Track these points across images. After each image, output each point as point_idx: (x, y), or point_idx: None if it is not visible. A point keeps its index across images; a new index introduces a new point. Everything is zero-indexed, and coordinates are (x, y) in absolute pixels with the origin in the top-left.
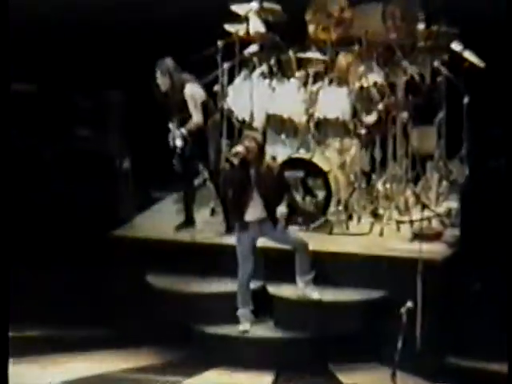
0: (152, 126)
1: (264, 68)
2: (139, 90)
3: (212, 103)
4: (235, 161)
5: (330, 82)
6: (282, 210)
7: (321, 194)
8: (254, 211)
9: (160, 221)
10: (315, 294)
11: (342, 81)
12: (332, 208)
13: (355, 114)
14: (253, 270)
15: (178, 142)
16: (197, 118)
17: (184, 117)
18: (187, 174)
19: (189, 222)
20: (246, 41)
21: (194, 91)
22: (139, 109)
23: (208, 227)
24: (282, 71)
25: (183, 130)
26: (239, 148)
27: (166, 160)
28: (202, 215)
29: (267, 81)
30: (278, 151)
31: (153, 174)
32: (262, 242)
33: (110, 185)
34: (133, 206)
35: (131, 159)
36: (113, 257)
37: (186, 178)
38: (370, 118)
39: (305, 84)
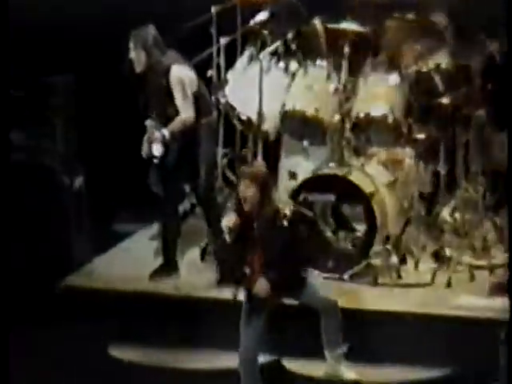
0: (116, 126)
1: (278, 45)
2: (96, 72)
3: (208, 94)
4: (229, 237)
5: (374, 65)
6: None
7: (361, 228)
8: (260, 282)
9: (128, 265)
10: (350, 373)
11: (391, 63)
12: (377, 247)
13: (410, 110)
14: (261, 339)
15: (157, 150)
16: (186, 114)
17: (166, 112)
18: (168, 197)
19: (169, 266)
20: (252, 5)
21: (182, 75)
22: (97, 101)
23: (196, 275)
24: (303, 49)
25: (165, 132)
26: (228, 221)
27: (136, 176)
28: (188, 257)
29: (282, 63)
30: (299, 165)
31: (117, 197)
32: None
33: (56, 212)
34: (89, 244)
35: (85, 176)
36: (60, 317)
37: (166, 202)
38: (432, 117)
39: (337, 68)
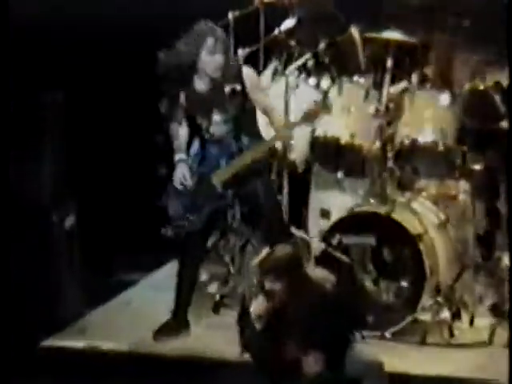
0: (116, 153)
1: (307, 58)
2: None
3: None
4: (258, 324)
5: (422, 81)
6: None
7: (406, 277)
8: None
9: (130, 321)
10: None
11: (442, 80)
12: (426, 300)
13: (464, 136)
14: None
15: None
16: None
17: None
18: (191, 242)
19: (179, 323)
20: (277, 9)
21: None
22: (91, 121)
23: (210, 333)
24: (337, 63)
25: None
26: (257, 307)
27: (139, 215)
28: (198, 313)
29: (313, 80)
30: (332, 201)
31: (116, 239)
32: None
33: (42, 257)
34: (81, 296)
35: (78, 213)
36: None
37: (188, 247)
38: (490, 144)
39: (378, 85)
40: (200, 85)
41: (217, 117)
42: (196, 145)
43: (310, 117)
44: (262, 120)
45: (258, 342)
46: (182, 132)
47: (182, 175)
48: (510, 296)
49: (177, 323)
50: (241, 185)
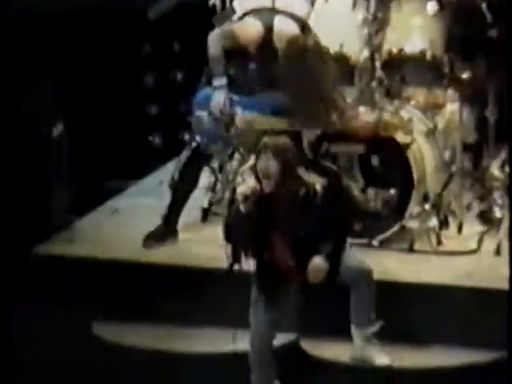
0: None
1: None
2: None
3: None
4: (243, 207)
5: None
6: (317, 263)
7: (394, 185)
8: (282, 254)
9: (116, 229)
10: (382, 357)
11: None
12: (414, 208)
13: (452, 45)
14: (278, 318)
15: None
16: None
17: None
18: (200, 156)
19: (167, 230)
20: None
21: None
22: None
23: (197, 239)
24: None
25: None
26: (247, 187)
27: (128, 122)
28: (186, 218)
29: None
30: None
31: (104, 146)
32: None
33: (29, 166)
34: (70, 204)
35: (66, 123)
36: (34, 292)
37: (195, 159)
38: (478, 53)
39: None
40: None
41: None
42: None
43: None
44: None
45: (240, 227)
46: (221, 56)
47: (222, 102)
48: (510, 270)
49: (166, 229)
50: None
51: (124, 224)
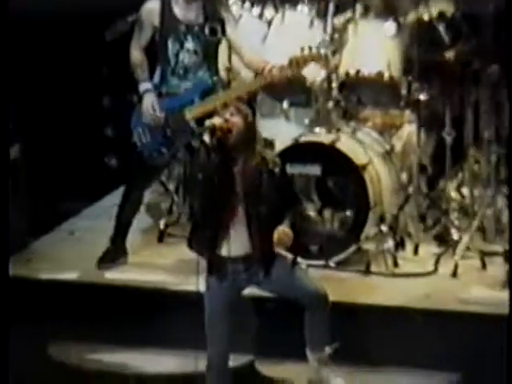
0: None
1: None
2: None
3: None
4: (209, 140)
5: (365, 10)
6: (286, 229)
7: (350, 206)
8: (238, 240)
9: (73, 251)
10: (337, 379)
11: (386, 10)
12: (370, 229)
13: (410, 66)
14: (229, 341)
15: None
16: None
17: None
18: (145, 171)
19: (117, 249)
20: None
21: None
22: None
23: (152, 258)
24: None
25: None
26: (216, 120)
27: (88, 145)
28: (139, 238)
29: (257, 9)
30: (278, 130)
31: (61, 168)
32: (248, 290)
33: None
34: (26, 225)
35: (23, 143)
36: None
37: (139, 174)
38: (435, 75)
39: (321, 14)
40: (178, 10)
41: (189, 44)
42: (157, 75)
43: (296, 64)
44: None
45: (200, 169)
46: (143, 58)
47: (151, 106)
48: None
49: (115, 249)
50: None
51: (80, 245)
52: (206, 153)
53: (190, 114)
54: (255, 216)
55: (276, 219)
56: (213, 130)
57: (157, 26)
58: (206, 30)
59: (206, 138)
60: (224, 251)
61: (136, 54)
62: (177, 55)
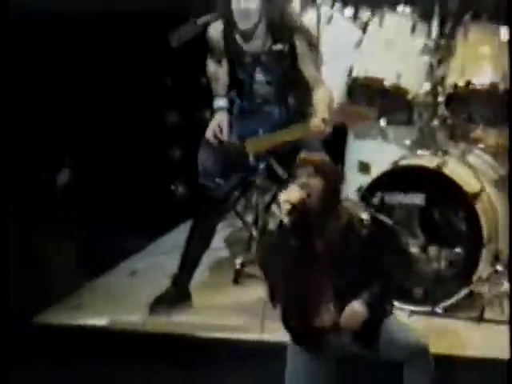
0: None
1: None
2: None
3: None
4: (286, 219)
5: (477, 13)
6: (356, 307)
7: (460, 242)
8: (324, 312)
9: (133, 294)
10: None
11: (501, 10)
12: (484, 269)
13: None
14: None
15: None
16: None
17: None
18: (211, 204)
19: (178, 292)
20: None
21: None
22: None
23: (228, 307)
24: None
25: None
26: (292, 194)
27: (150, 171)
28: (214, 284)
29: (349, 10)
30: (374, 152)
31: (120, 195)
32: None
33: (29, 221)
34: (77, 266)
35: (72, 167)
36: (34, 362)
37: (206, 208)
38: None
39: (426, 17)
40: (240, 39)
41: (259, 75)
42: (234, 96)
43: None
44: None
45: (283, 247)
46: (221, 73)
47: (218, 126)
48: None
49: (176, 292)
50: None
51: (141, 287)
52: (285, 237)
53: (250, 147)
54: (340, 285)
55: (356, 284)
56: (292, 208)
57: (223, 52)
58: (273, 59)
59: (283, 216)
60: (317, 322)
61: (212, 66)
62: (250, 84)
